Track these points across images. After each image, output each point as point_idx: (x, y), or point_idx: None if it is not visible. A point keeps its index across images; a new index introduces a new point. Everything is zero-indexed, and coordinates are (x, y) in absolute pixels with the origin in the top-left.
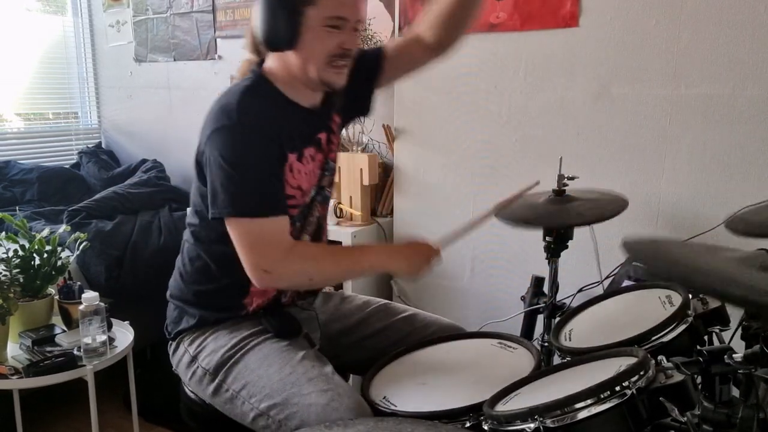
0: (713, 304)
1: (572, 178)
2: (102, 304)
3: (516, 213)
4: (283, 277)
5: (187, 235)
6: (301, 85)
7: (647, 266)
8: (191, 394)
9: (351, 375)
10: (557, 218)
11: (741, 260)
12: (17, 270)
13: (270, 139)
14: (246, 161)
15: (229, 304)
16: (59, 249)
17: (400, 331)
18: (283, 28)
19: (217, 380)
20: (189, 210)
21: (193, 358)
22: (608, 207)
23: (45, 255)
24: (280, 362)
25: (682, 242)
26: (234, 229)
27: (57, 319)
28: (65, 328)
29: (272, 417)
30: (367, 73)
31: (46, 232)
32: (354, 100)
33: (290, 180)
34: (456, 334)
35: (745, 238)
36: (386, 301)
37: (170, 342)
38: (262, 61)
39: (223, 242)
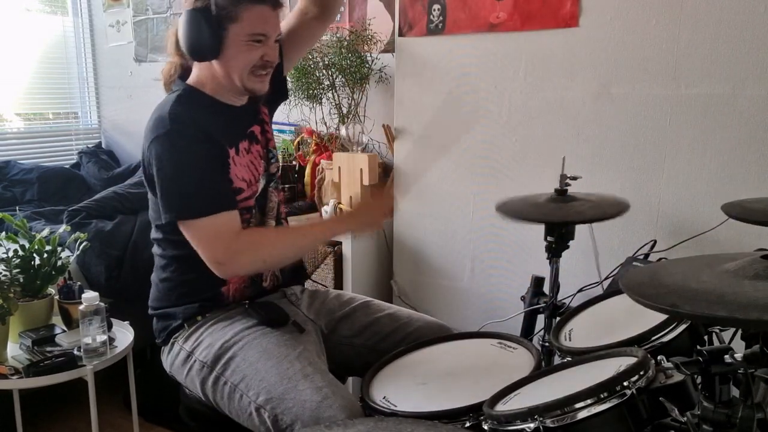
0: None
1: (575, 178)
2: (102, 304)
3: (518, 209)
4: (238, 265)
5: (154, 248)
6: (226, 89)
7: (643, 303)
8: (191, 394)
9: (349, 378)
10: (558, 215)
11: (736, 272)
12: (17, 270)
13: (205, 140)
14: (183, 165)
15: (209, 295)
16: (59, 249)
17: (385, 328)
18: (207, 40)
19: (215, 372)
20: (151, 223)
21: (190, 354)
22: (609, 208)
23: (45, 255)
24: (279, 356)
25: (682, 261)
26: (185, 230)
27: (57, 319)
28: (65, 328)
29: (268, 411)
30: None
31: (46, 232)
32: (272, 90)
33: (236, 173)
34: (456, 333)
35: (741, 235)
36: (369, 298)
37: (162, 348)
38: (187, 67)
39: (183, 247)
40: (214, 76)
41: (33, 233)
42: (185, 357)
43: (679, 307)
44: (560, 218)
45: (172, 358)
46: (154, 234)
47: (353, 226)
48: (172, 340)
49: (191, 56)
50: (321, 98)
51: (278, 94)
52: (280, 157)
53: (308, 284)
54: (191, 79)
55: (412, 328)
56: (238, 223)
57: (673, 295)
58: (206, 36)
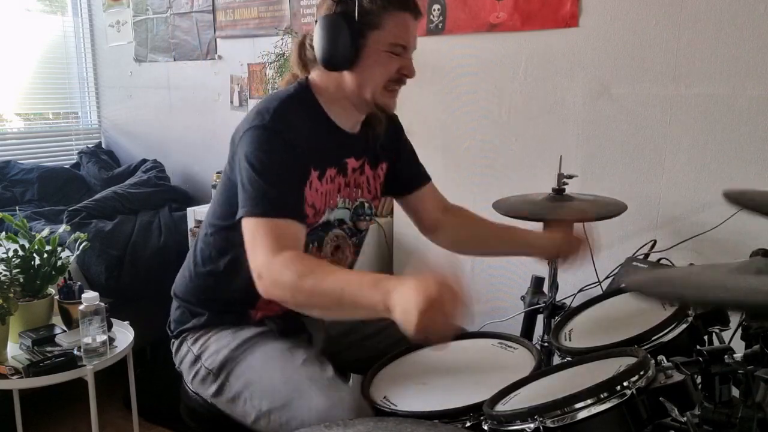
0: None
1: (571, 177)
2: (102, 304)
3: (515, 208)
4: (271, 283)
5: (203, 235)
6: (348, 104)
7: (648, 296)
8: (192, 394)
9: (351, 375)
10: (556, 214)
11: (737, 269)
12: (17, 270)
13: (297, 149)
14: (269, 163)
15: (235, 311)
16: (59, 249)
17: (399, 332)
18: (344, 48)
19: (219, 380)
20: (209, 211)
21: (197, 358)
22: (606, 208)
23: (45, 255)
24: (283, 363)
25: (682, 268)
26: (246, 229)
27: (57, 319)
28: (65, 328)
29: (273, 419)
30: (401, 180)
31: (46, 232)
32: (401, 167)
33: (307, 197)
34: (456, 334)
35: (741, 235)
36: None
37: (173, 341)
38: (302, 78)
39: (235, 250)
40: (339, 88)
41: (33, 233)
42: (192, 360)
43: (684, 295)
44: (557, 216)
45: (180, 357)
46: (211, 220)
47: (412, 321)
48: (181, 338)
49: (325, 64)
50: None
51: (403, 181)
52: None
53: None
54: (311, 79)
55: None
56: (301, 238)
57: (678, 286)
58: (345, 43)
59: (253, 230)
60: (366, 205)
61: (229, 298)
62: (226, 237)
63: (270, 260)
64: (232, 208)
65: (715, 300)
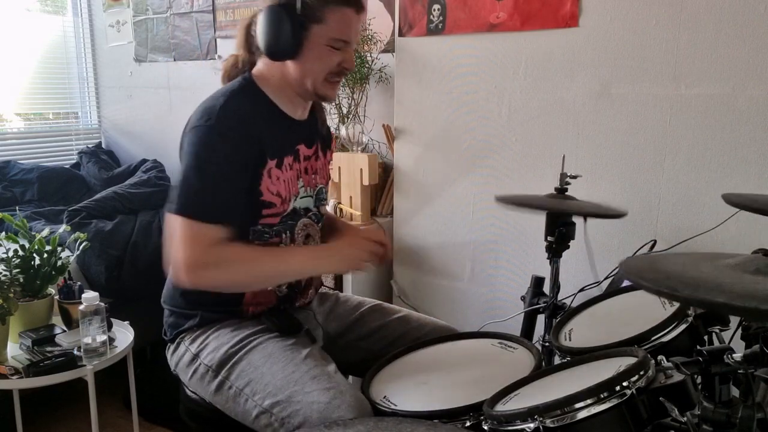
0: None
1: (575, 177)
2: (102, 304)
3: (518, 200)
4: (206, 280)
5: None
6: (292, 93)
7: (641, 285)
8: (191, 394)
9: (350, 377)
10: (558, 208)
11: (735, 266)
12: (17, 270)
13: (243, 147)
14: (208, 165)
15: (228, 308)
16: (59, 249)
17: (395, 332)
18: (287, 39)
19: (219, 377)
20: None
21: (195, 356)
22: (608, 210)
23: (45, 255)
24: (284, 360)
25: (682, 254)
26: (174, 225)
27: (57, 319)
28: (65, 328)
29: (275, 414)
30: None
31: (46, 232)
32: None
33: (269, 186)
34: (456, 333)
35: (741, 235)
36: (379, 301)
37: (168, 344)
38: (251, 63)
39: None
40: (283, 77)
41: (33, 233)
42: (190, 359)
43: (678, 292)
44: (560, 208)
45: (177, 358)
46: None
47: (336, 263)
48: (178, 340)
49: (268, 54)
50: None
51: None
52: None
53: None
54: (255, 72)
55: (422, 332)
56: (224, 239)
57: (673, 280)
58: (287, 35)
59: (180, 228)
60: (323, 190)
61: (216, 298)
62: None
63: (202, 257)
64: None
65: (709, 302)
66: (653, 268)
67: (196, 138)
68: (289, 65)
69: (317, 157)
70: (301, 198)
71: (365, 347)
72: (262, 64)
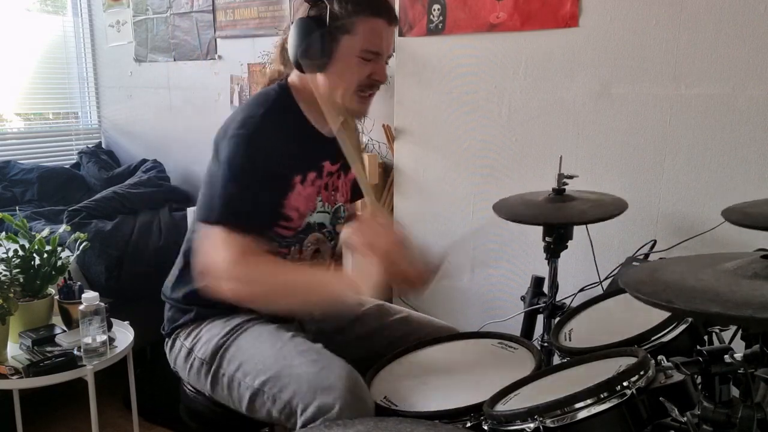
0: None
1: (571, 177)
2: (102, 304)
3: (515, 210)
4: (232, 291)
5: (189, 236)
6: (323, 107)
7: (639, 298)
8: (191, 393)
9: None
10: (557, 216)
11: (735, 271)
12: (17, 270)
13: (276, 162)
14: (246, 174)
15: (228, 305)
16: (59, 249)
17: (396, 332)
18: (316, 51)
19: (213, 368)
20: (196, 212)
21: (190, 351)
22: (608, 208)
23: (45, 255)
24: (272, 339)
25: (684, 259)
26: (205, 231)
27: (57, 319)
28: (65, 328)
29: (267, 392)
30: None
31: (46, 232)
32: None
33: (291, 201)
34: (457, 334)
35: (741, 235)
36: (381, 301)
37: (166, 340)
38: (283, 80)
39: None
40: (315, 89)
41: (33, 233)
42: (186, 354)
43: (674, 303)
44: (557, 220)
45: (174, 354)
46: (196, 225)
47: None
48: (174, 335)
49: (297, 66)
50: None
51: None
52: None
53: None
54: (290, 81)
55: (423, 332)
56: (254, 250)
57: (670, 292)
58: (317, 46)
59: (214, 236)
60: (342, 208)
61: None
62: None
63: (233, 269)
64: None
65: (704, 312)
66: (652, 279)
67: (235, 147)
68: (319, 78)
69: (339, 176)
70: (317, 213)
71: (366, 347)
72: (294, 76)
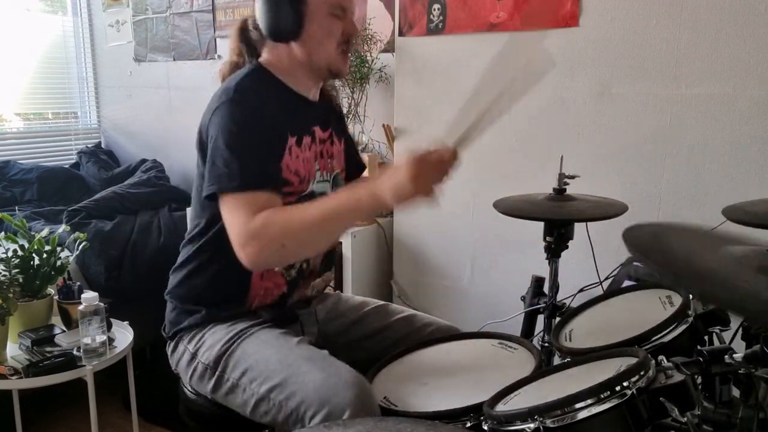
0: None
1: (573, 177)
2: (101, 304)
3: (516, 207)
4: (258, 247)
5: (189, 233)
6: (303, 74)
7: (646, 261)
8: (191, 394)
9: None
10: (557, 213)
11: (741, 259)
12: (17, 270)
13: (267, 120)
14: (237, 137)
15: (230, 304)
16: (59, 249)
17: (398, 332)
18: (287, 18)
19: (217, 373)
20: (192, 210)
21: (193, 355)
22: (608, 209)
23: (44, 255)
24: (278, 345)
25: (684, 228)
26: (223, 204)
27: (57, 319)
28: (65, 328)
29: (272, 399)
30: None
31: (45, 232)
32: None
33: (289, 163)
34: (456, 334)
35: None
36: (384, 302)
37: (168, 342)
38: (255, 57)
39: (220, 242)
40: (291, 60)
41: (32, 233)
42: (189, 358)
43: (681, 278)
44: (558, 216)
45: (177, 357)
46: (192, 214)
47: (412, 189)
48: (177, 338)
49: (272, 36)
50: None
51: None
52: None
53: None
54: (262, 60)
55: (425, 332)
56: (274, 205)
57: (677, 265)
58: (286, 11)
59: (228, 206)
60: (340, 176)
61: (222, 285)
62: (209, 224)
63: (249, 227)
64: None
65: (712, 296)
66: (659, 245)
67: (221, 116)
68: (295, 48)
69: (332, 142)
70: (318, 182)
71: (368, 347)
72: (267, 53)
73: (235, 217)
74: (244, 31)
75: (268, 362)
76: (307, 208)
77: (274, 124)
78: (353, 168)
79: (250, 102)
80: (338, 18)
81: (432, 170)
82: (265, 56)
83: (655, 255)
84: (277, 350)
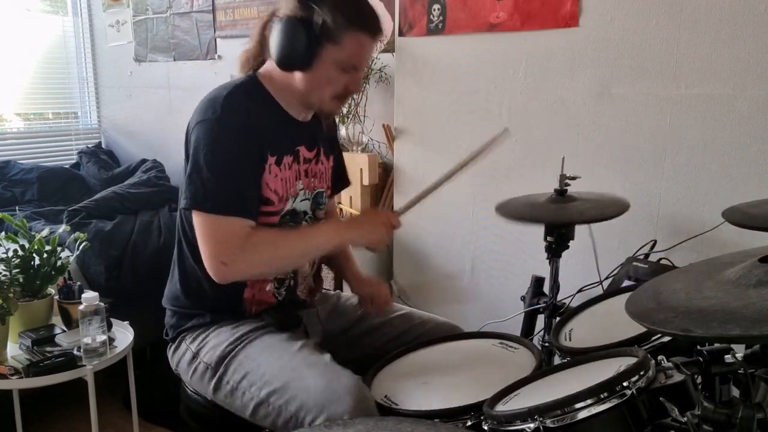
0: None
1: (574, 178)
2: (102, 304)
3: (517, 210)
4: (240, 269)
5: (179, 239)
6: (295, 99)
7: (655, 330)
8: (192, 394)
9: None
10: (558, 216)
11: (737, 281)
12: (17, 270)
13: (249, 139)
14: (221, 157)
15: (230, 307)
16: (59, 249)
17: (397, 328)
18: (299, 53)
19: (218, 374)
20: (180, 215)
21: (195, 355)
22: (609, 208)
23: (45, 255)
24: (280, 350)
25: (680, 274)
26: (197, 220)
27: (57, 319)
28: (65, 328)
29: (272, 403)
30: (334, 179)
31: (45, 232)
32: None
33: (269, 182)
34: (457, 334)
35: (741, 235)
36: None
37: (170, 343)
38: (261, 62)
39: None
40: (288, 83)
41: (33, 233)
42: (191, 358)
43: (692, 331)
44: (560, 219)
45: (178, 357)
46: (185, 227)
47: (359, 236)
48: (179, 339)
49: (278, 63)
50: None
51: (334, 180)
52: None
53: None
54: (261, 71)
55: (423, 329)
56: (245, 231)
57: (684, 318)
58: (301, 49)
59: (201, 224)
60: (323, 194)
61: (220, 290)
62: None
63: (217, 249)
64: None
65: (725, 337)
66: (661, 307)
67: (203, 132)
68: (297, 75)
69: (318, 161)
70: (300, 201)
71: (367, 343)
72: (270, 65)
73: (206, 236)
74: (264, 28)
75: (270, 366)
76: (286, 237)
77: (255, 144)
78: (339, 186)
79: (233, 121)
80: (346, 73)
81: (376, 226)
82: (266, 67)
83: (660, 315)
84: (279, 355)
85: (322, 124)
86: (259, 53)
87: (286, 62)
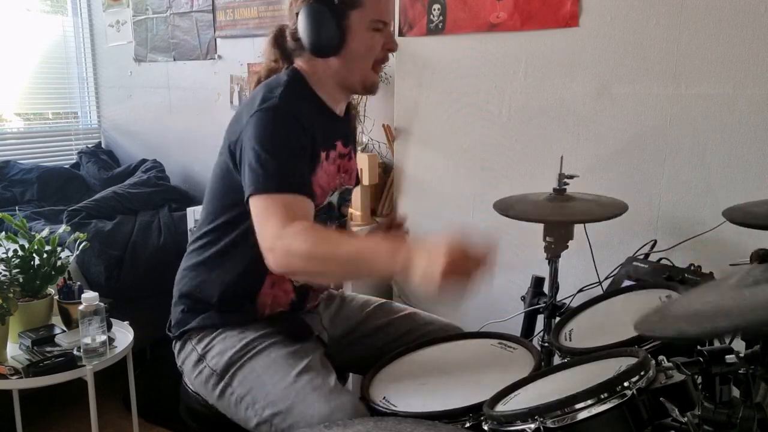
0: None
1: (572, 177)
2: (102, 304)
3: (515, 208)
4: (283, 254)
5: (201, 230)
6: (334, 88)
7: (656, 337)
8: (192, 394)
9: (351, 374)
10: (557, 215)
11: (737, 284)
12: (17, 270)
13: (306, 132)
14: (280, 142)
15: (241, 308)
16: (59, 249)
17: (400, 329)
18: (331, 35)
19: (223, 382)
20: (205, 207)
21: (201, 357)
22: (607, 208)
23: (45, 255)
24: (286, 369)
25: (691, 293)
26: (255, 206)
27: (57, 319)
28: (65, 328)
29: (275, 425)
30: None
31: (45, 232)
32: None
33: (317, 178)
34: (456, 334)
35: (741, 235)
36: (385, 300)
37: (174, 341)
38: (288, 66)
39: (236, 239)
40: (328, 73)
41: (33, 233)
42: (196, 359)
43: (684, 332)
44: (559, 218)
45: (184, 356)
46: (212, 222)
47: (426, 275)
48: (185, 338)
49: (315, 52)
50: None
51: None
52: None
53: None
54: (297, 67)
55: (427, 330)
56: (311, 214)
57: (680, 321)
58: (331, 27)
59: (263, 207)
60: (349, 190)
61: (233, 290)
62: (227, 227)
63: (281, 231)
64: (232, 196)
65: (715, 330)
66: (663, 317)
67: (261, 120)
68: (333, 62)
69: (350, 158)
70: (335, 195)
71: (370, 344)
72: (302, 62)
73: (270, 218)
74: (278, 39)
75: (275, 386)
76: (341, 242)
77: (308, 138)
78: (356, 183)
79: (291, 112)
80: (379, 32)
81: (466, 267)
82: (300, 64)
83: (658, 324)
84: (284, 374)
85: (351, 120)
86: (278, 63)
87: (322, 47)
